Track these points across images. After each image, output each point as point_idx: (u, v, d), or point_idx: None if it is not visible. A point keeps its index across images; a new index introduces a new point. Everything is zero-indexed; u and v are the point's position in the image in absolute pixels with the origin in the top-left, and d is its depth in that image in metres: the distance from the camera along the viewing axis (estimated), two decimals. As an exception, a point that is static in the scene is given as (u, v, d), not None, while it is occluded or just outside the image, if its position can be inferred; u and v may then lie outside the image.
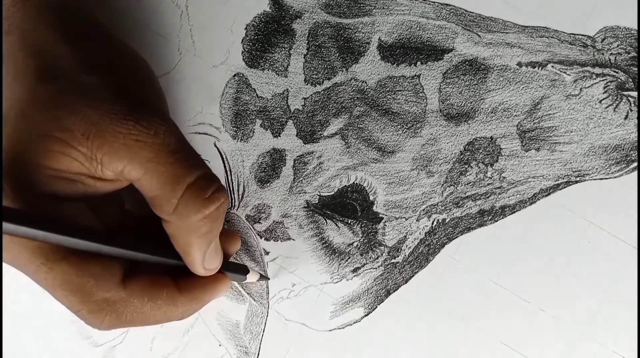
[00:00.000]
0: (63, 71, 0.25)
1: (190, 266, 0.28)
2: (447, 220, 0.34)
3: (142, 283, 0.27)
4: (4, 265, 0.24)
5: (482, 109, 0.34)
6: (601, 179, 0.33)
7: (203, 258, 0.27)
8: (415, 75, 0.34)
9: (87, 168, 0.24)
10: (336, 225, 0.34)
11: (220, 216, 0.26)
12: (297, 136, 0.34)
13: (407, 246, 0.34)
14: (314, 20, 0.34)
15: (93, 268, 0.25)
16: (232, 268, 0.31)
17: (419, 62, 0.34)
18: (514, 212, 0.34)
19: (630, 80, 0.33)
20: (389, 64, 0.34)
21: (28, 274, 0.25)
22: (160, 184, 0.25)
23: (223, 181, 0.34)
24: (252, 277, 0.33)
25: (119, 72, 0.27)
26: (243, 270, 0.32)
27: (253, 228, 0.34)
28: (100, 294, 0.25)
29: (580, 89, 0.34)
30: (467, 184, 0.34)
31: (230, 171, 0.34)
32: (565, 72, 0.34)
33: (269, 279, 0.34)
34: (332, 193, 0.34)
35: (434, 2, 0.34)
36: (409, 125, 0.34)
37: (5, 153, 0.24)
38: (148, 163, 0.25)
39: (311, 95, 0.34)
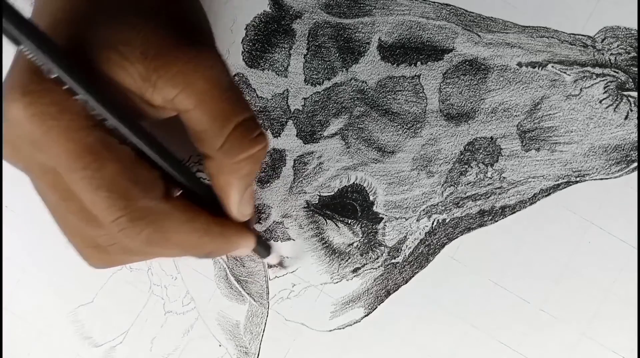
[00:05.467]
0: None
1: (226, 207, 0.27)
2: (447, 220, 0.34)
3: (183, 202, 0.26)
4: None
5: (482, 109, 0.34)
6: (601, 179, 0.33)
7: (240, 201, 0.27)
8: (415, 75, 0.34)
9: (139, 87, 0.24)
10: (336, 225, 0.34)
11: (260, 159, 0.27)
12: (297, 136, 0.34)
13: (407, 246, 0.34)
14: (314, 20, 0.34)
15: (141, 174, 0.25)
16: (258, 241, 0.31)
17: (419, 62, 0.34)
18: (514, 212, 0.34)
19: (631, 80, 0.33)
20: (389, 64, 0.34)
21: (67, 173, 0.24)
22: (210, 119, 0.25)
23: (223, 181, 0.34)
24: (272, 259, 0.33)
25: None
26: (267, 248, 0.32)
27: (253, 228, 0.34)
28: (145, 201, 0.25)
29: (581, 89, 0.33)
30: (467, 184, 0.34)
31: (230, 171, 0.34)
32: (565, 73, 0.34)
33: (285, 267, 0.34)
34: (332, 193, 0.34)
35: (434, 2, 0.34)
36: (409, 125, 0.34)
37: (62, 47, 0.23)
38: (202, 94, 0.24)
39: (311, 95, 0.34)
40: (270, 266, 0.34)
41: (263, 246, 0.32)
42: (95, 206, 0.24)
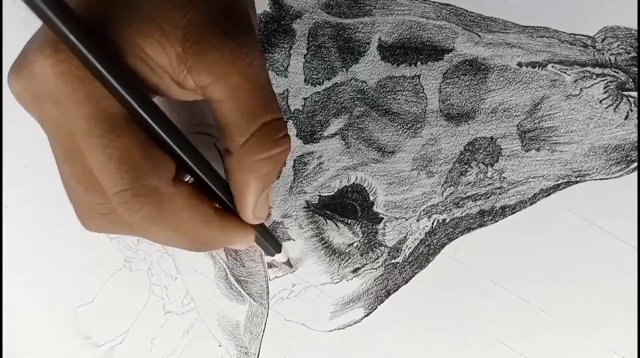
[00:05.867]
0: None
1: (240, 208, 0.27)
2: (447, 220, 0.34)
3: (189, 188, 0.26)
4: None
5: (483, 109, 0.34)
6: (601, 179, 0.33)
7: (255, 202, 0.27)
8: (415, 75, 0.34)
9: (173, 68, 0.24)
10: (336, 225, 0.34)
11: (281, 162, 0.26)
12: (297, 136, 0.34)
13: (407, 246, 0.34)
14: (314, 20, 0.34)
15: (154, 153, 0.25)
16: (270, 236, 0.31)
17: (419, 62, 0.34)
18: (514, 212, 0.34)
19: (631, 80, 0.33)
20: (389, 64, 0.34)
21: (82, 137, 0.23)
22: (238, 114, 0.25)
23: (223, 181, 0.34)
24: (280, 257, 0.33)
25: None
26: (277, 246, 0.32)
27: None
28: (153, 180, 0.24)
29: (581, 89, 0.33)
30: (468, 184, 0.34)
31: (230, 171, 0.34)
32: (565, 73, 0.34)
33: (292, 268, 0.34)
34: (332, 193, 0.34)
35: (434, 2, 0.34)
36: (409, 125, 0.34)
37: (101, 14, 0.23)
38: (235, 88, 0.24)
39: (311, 95, 0.34)
40: (270, 266, 0.34)
41: (273, 243, 0.32)
42: (103, 175, 0.24)
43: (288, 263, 0.34)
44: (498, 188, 0.34)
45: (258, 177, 0.26)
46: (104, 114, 0.23)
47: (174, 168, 0.26)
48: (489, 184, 0.34)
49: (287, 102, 0.34)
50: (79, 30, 0.22)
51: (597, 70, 0.33)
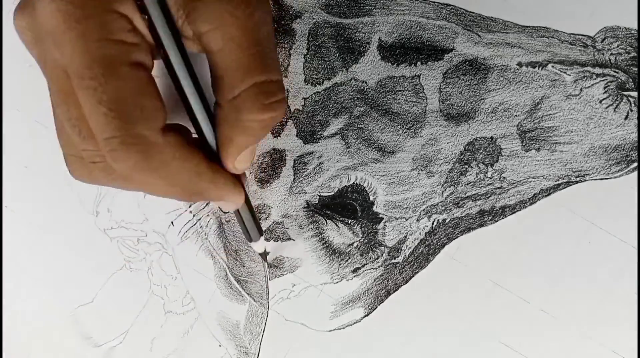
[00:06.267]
0: None
1: (221, 157, 0.27)
2: (447, 220, 0.34)
3: (179, 138, 0.26)
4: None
5: (483, 109, 0.34)
6: (601, 179, 0.33)
7: (236, 155, 0.27)
8: (415, 75, 0.34)
9: (173, 13, 0.24)
10: (336, 225, 0.34)
11: (270, 125, 0.26)
12: (297, 136, 0.34)
13: (407, 246, 0.34)
14: (314, 20, 0.34)
15: (145, 101, 0.24)
16: (252, 217, 0.31)
17: (419, 62, 0.34)
18: (514, 212, 0.34)
19: (631, 80, 0.33)
20: (389, 64, 0.34)
21: (75, 78, 0.23)
22: (231, 68, 0.24)
23: (223, 181, 0.34)
24: (257, 247, 0.32)
25: None
26: (259, 230, 0.32)
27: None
28: (142, 129, 0.24)
29: (581, 89, 0.33)
30: (468, 184, 0.34)
31: (230, 171, 0.34)
32: (565, 72, 0.34)
33: (266, 261, 0.34)
34: (332, 193, 0.34)
35: (434, 2, 0.34)
36: (409, 125, 0.34)
37: None
38: (231, 40, 0.24)
39: (311, 95, 0.34)
40: (270, 266, 0.34)
41: (253, 227, 0.31)
42: (93, 120, 0.24)
43: (264, 255, 0.33)
44: (498, 188, 0.34)
45: (241, 134, 0.25)
46: (97, 56, 0.23)
47: (164, 118, 0.25)
48: (489, 184, 0.34)
49: (287, 102, 0.34)
50: None
51: (597, 70, 0.33)
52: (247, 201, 0.30)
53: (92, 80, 0.23)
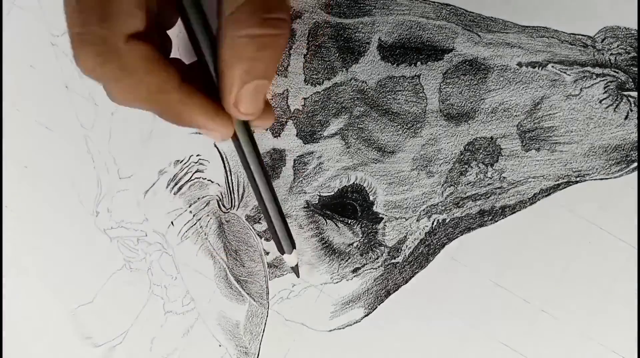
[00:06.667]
0: None
1: (220, 92, 0.25)
2: (447, 220, 0.34)
3: (148, 50, 0.24)
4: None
5: (482, 109, 0.34)
6: (601, 179, 0.33)
7: (237, 89, 0.24)
8: (415, 75, 0.34)
9: None
10: (336, 225, 0.34)
11: (269, 47, 0.23)
12: (297, 136, 0.34)
13: (407, 246, 0.34)
14: (314, 20, 0.34)
15: (118, 3, 0.23)
16: (286, 230, 0.30)
17: (419, 62, 0.34)
18: (514, 212, 0.34)
19: (631, 80, 0.33)
20: (389, 64, 0.34)
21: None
22: None
23: (223, 182, 0.34)
24: (291, 260, 0.32)
25: None
26: (289, 245, 0.31)
27: (253, 228, 0.34)
28: (102, 29, 0.23)
29: (581, 89, 0.33)
30: (467, 184, 0.34)
31: (231, 171, 0.34)
32: (565, 72, 0.34)
33: (298, 276, 0.33)
34: (332, 193, 0.34)
35: (434, 2, 0.34)
36: (409, 125, 0.34)
37: None
38: None
39: (311, 95, 0.34)
40: (270, 266, 0.34)
41: (287, 239, 0.31)
42: (67, 12, 0.23)
43: (296, 269, 0.33)
44: (498, 188, 0.34)
45: (240, 58, 0.24)
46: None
47: (135, 25, 0.23)
48: (489, 184, 0.34)
49: (287, 102, 0.34)
50: None
51: (597, 70, 0.33)
52: (281, 213, 0.30)
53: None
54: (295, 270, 0.33)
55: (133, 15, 0.23)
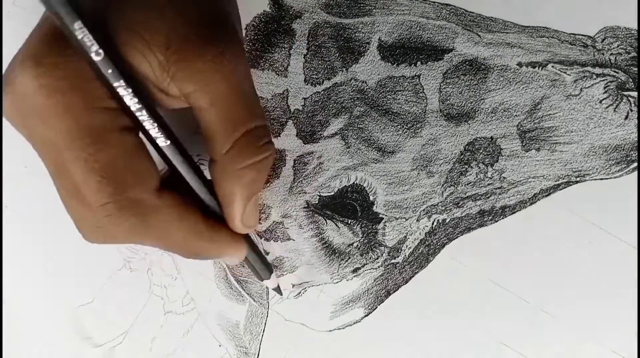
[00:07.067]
0: None
1: (228, 217, 0.27)
2: (447, 220, 0.34)
3: (176, 199, 0.26)
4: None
5: (482, 109, 0.34)
6: (601, 179, 0.33)
7: (243, 211, 0.27)
8: (415, 75, 0.34)
9: (156, 76, 0.24)
10: (336, 225, 0.34)
11: (265, 168, 0.27)
12: (297, 136, 0.34)
13: (407, 246, 0.34)
14: (314, 20, 0.34)
15: (137, 164, 0.25)
16: (260, 259, 0.31)
17: (419, 62, 0.34)
18: (514, 212, 0.34)
19: (631, 80, 0.33)
20: (389, 64, 0.34)
21: (64, 150, 0.23)
22: (221, 122, 0.25)
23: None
24: (270, 283, 0.32)
25: None
26: (269, 268, 0.32)
27: (253, 228, 0.34)
28: (136, 192, 0.24)
29: (581, 89, 0.33)
30: (468, 184, 0.34)
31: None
32: (565, 72, 0.34)
33: (281, 295, 0.34)
34: (332, 193, 0.34)
35: (434, 2, 0.34)
36: (409, 125, 0.34)
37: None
38: (218, 96, 0.24)
39: (311, 95, 0.34)
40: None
41: (262, 267, 0.31)
42: (86, 188, 0.24)
43: (278, 289, 0.33)
44: (498, 188, 0.34)
45: (243, 185, 0.26)
46: (85, 126, 0.23)
47: (158, 179, 0.25)
48: (489, 184, 0.34)
49: (287, 102, 0.34)
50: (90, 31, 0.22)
51: (597, 70, 0.33)
52: (252, 245, 0.30)
53: (82, 151, 0.23)
54: (277, 290, 0.33)
55: (153, 169, 0.25)
